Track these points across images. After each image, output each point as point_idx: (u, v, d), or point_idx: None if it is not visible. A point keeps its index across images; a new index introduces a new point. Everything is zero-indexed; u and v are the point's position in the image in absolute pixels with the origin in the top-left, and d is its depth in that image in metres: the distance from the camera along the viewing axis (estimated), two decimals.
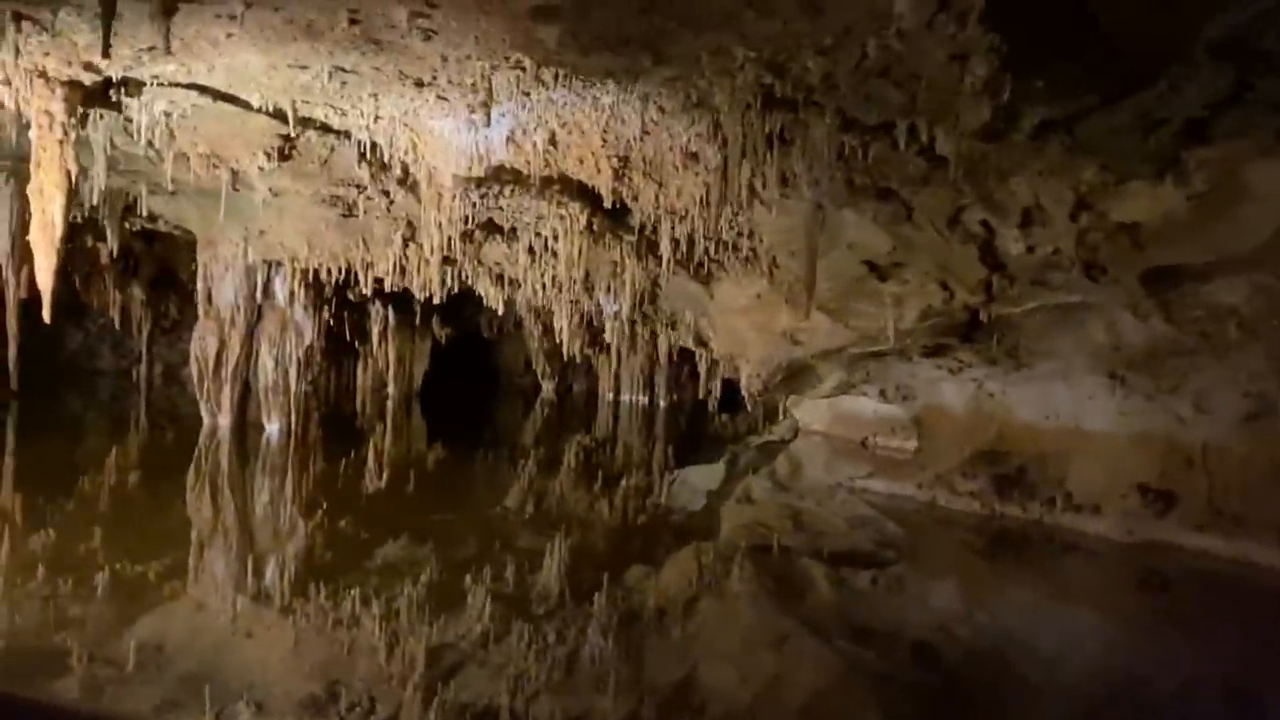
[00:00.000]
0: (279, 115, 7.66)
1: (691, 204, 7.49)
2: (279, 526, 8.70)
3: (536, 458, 13.53)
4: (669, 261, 8.70)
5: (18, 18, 5.53)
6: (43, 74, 6.27)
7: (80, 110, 6.59)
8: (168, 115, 7.67)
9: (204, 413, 12.79)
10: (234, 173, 9.12)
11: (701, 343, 11.69)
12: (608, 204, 7.85)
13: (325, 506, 9.10)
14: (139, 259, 16.00)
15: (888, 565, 8.31)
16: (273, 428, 12.85)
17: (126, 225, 12.45)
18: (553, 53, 5.35)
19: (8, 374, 15.77)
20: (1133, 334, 7.84)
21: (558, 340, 13.88)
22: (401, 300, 16.34)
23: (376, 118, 7.58)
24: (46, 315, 7.22)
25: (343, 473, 11.33)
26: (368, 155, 8.50)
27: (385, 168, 8.74)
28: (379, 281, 11.44)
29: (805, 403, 13.84)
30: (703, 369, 15.06)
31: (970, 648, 6.28)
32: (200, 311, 12.30)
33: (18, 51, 5.69)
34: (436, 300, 11.48)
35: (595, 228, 8.38)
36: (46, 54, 6.09)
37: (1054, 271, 7.16)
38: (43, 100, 6.27)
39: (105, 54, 4.70)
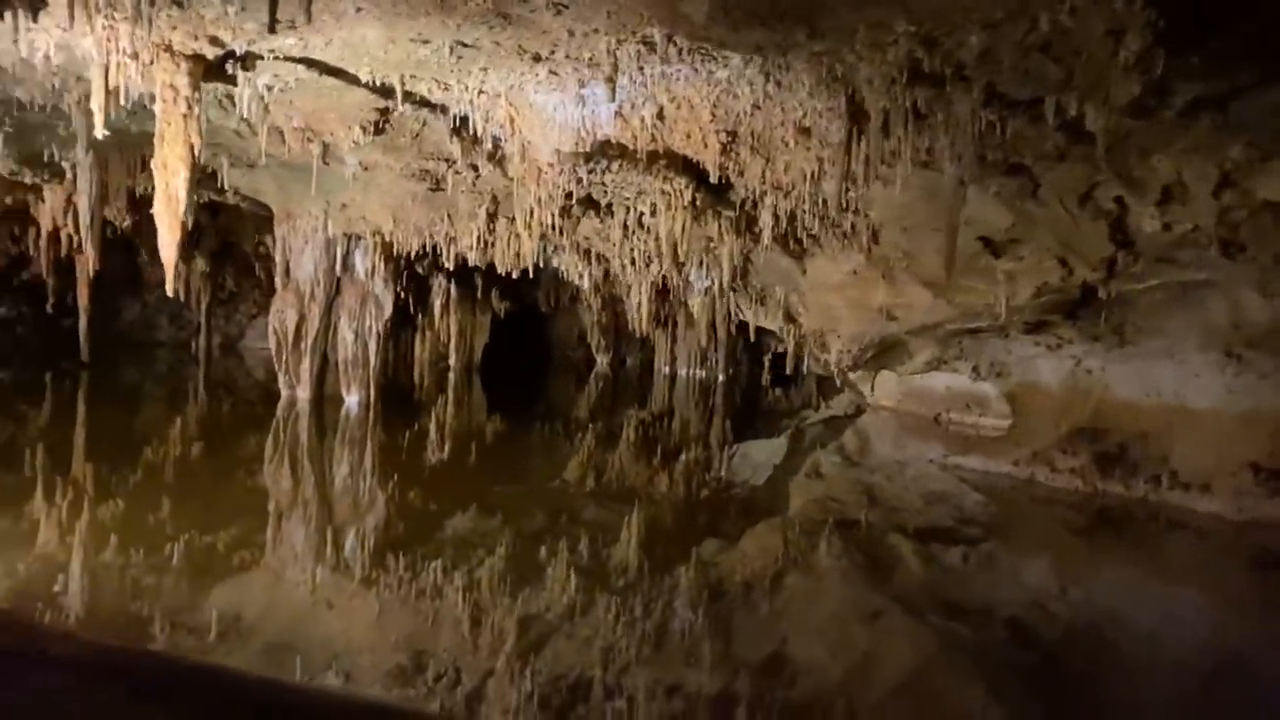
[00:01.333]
0: (379, 90, 7.65)
1: (800, 179, 7.43)
2: (357, 497, 8.75)
3: (594, 431, 13.55)
4: (768, 237, 8.66)
5: None
6: (168, 47, 6.26)
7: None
8: (270, 89, 7.67)
9: (282, 385, 12.86)
10: (325, 146, 9.12)
11: (790, 319, 11.65)
12: (713, 179, 7.79)
13: (400, 478, 9.18)
14: (202, 232, 16.05)
15: (978, 541, 8.25)
16: (351, 400, 12.89)
17: (195, 198, 12.50)
18: (698, 27, 5.30)
19: (78, 345, 16.07)
20: (1257, 312, 7.75)
21: (634, 315, 13.84)
22: (463, 274, 16.35)
23: (480, 92, 7.57)
24: (169, 289, 7.28)
25: (414, 444, 11.39)
26: (460, 130, 8.48)
27: (477, 142, 8.70)
28: (461, 255, 11.44)
29: (873, 378, 13.76)
30: (792, 343, 14.78)
31: (1069, 625, 6.20)
32: (278, 285, 12.34)
33: (150, 24, 5.69)
34: (516, 275, 11.47)
35: (698, 203, 8.34)
36: (174, 27, 6.08)
37: (1185, 249, 7.09)
38: (167, 74, 6.26)
39: (271, 29, 4.67)
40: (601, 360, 21.89)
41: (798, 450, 13.01)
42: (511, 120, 7.95)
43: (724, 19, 5.12)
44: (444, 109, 8.11)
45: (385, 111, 8.29)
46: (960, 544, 7.99)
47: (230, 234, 16.68)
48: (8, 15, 5.37)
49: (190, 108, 6.39)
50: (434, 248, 11.96)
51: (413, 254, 12.28)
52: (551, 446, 12.35)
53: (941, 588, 6.82)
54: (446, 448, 11.49)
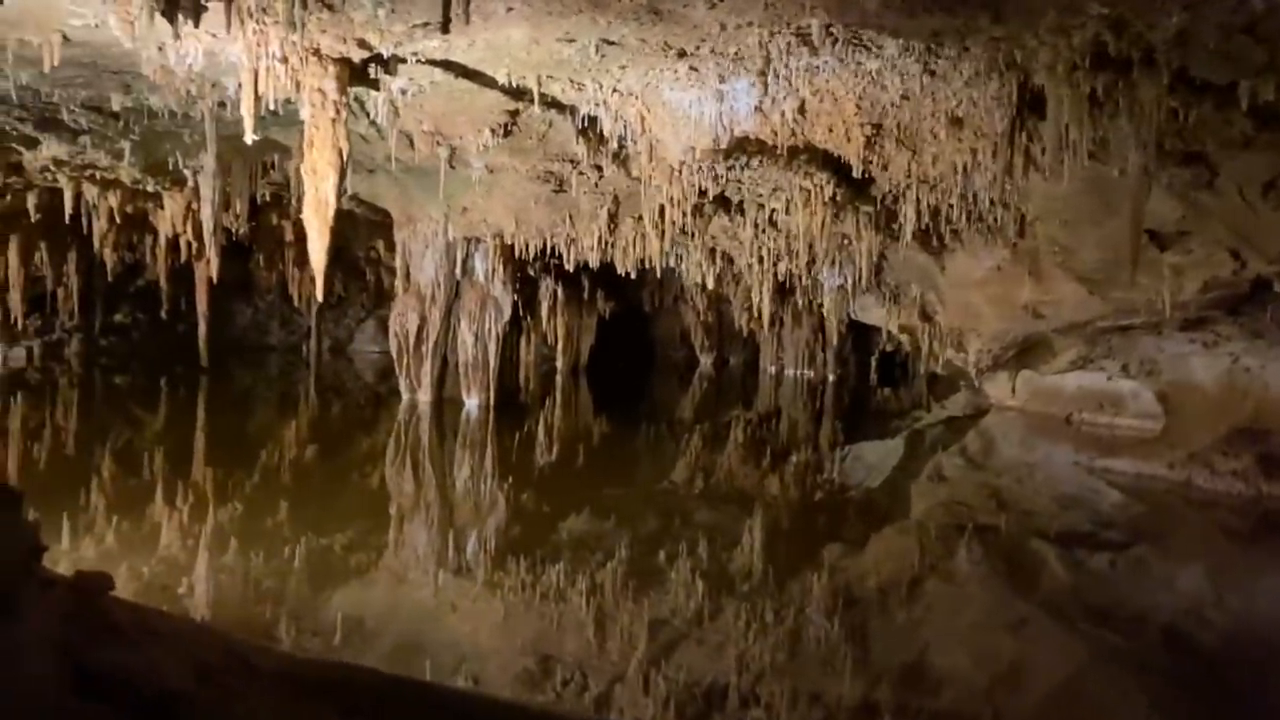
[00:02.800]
0: (512, 91, 7.59)
1: (949, 172, 7.20)
2: (478, 499, 8.71)
3: (701, 432, 13.41)
4: (910, 233, 8.43)
5: None
6: (317, 51, 6.24)
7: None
8: (403, 93, 7.65)
9: (402, 388, 12.93)
10: (452, 150, 9.09)
11: (926, 317, 11.38)
12: (856, 174, 7.59)
13: (517, 480, 9.16)
14: None
15: (1126, 546, 7.91)
16: (471, 403, 12.90)
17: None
18: (870, 14, 5.12)
19: (193, 350, 16.38)
20: None
21: (740, 314, 13.67)
22: (570, 275, 16.31)
23: (614, 91, 7.47)
24: (319, 294, 7.30)
25: (530, 446, 11.37)
26: (587, 130, 8.40)
27: (603, 142, 8.62)
28: (581, 256, 11.39)
29: (997, 377, 13.40)
30: (926, 342, 14.45)
31: (1230, 634, 5.87)
32: (399, 289, 12.41)
33: (301, 28, 5.65)
34: (633, 274, 11.38)
35: (838, 199, 8.15)
36: (323, 31, 6.06)
37: None
38: (316, 78, 6.25)
39: (444, 29, 4.59)
40: (705, 360, 21.73)
41: (916, 452, 12.71)
42: (642, 119, 7.85)
43: (900, 5, 4.93)
44: (572, 110, 8.04)
45: (515, 113, 8.25)
46: (1106, 549, 7.66)
47: (341, 239, 16.82)
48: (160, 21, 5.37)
49: (338, 112, 6.37)
50: (546, 249, 11.94)
51: (530, 257, 12.27)
52: (658, 448, 12.27)
53: (1089, 594, 6.52)
54: (559, 449, 11.45)
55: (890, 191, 8.15)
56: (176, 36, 5.30)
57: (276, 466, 9.43)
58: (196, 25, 4.91)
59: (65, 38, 6.55)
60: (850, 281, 10.45)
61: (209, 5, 5.00)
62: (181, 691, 2.82)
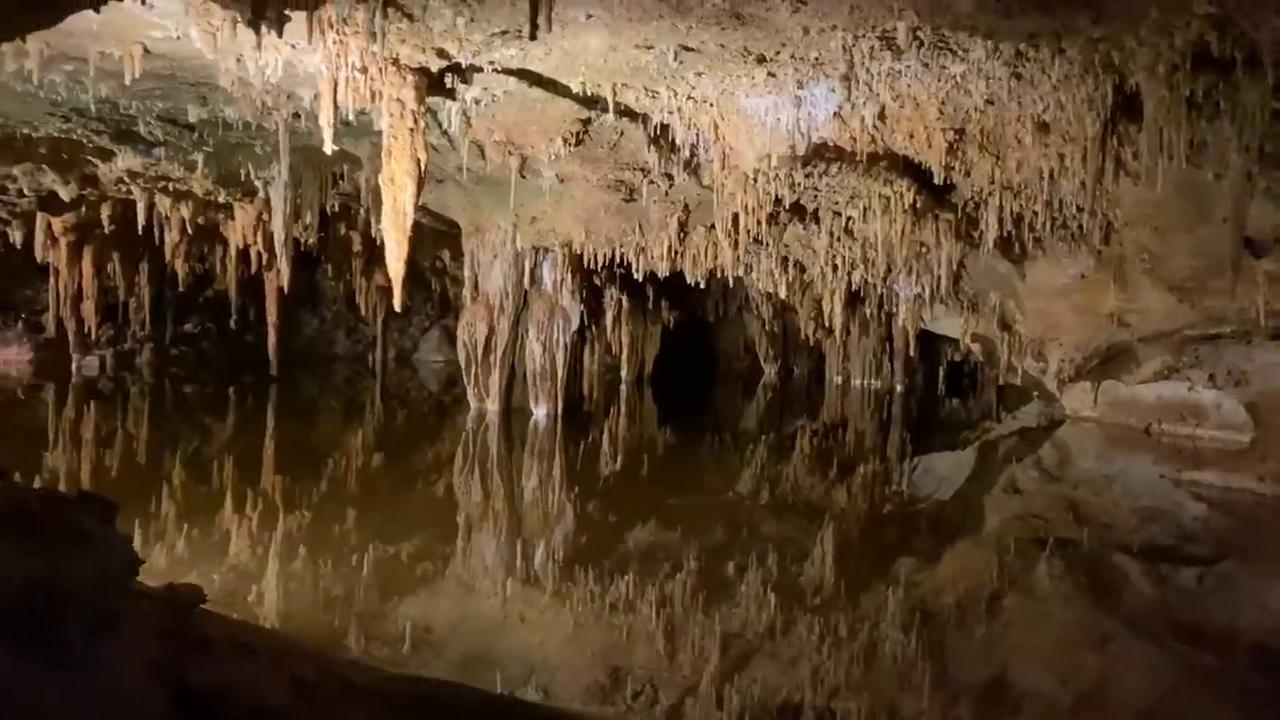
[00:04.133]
0: (585, 100, 7.55)
1: (1035, 178, 7.04)
2: (546, 509, 8.68)
3: (766, 442, 13.27)
4: (992, 240, 8.27)
5: (385, 4, 5.47)
6: (396, 61, 6.24)
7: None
8: (476, 103, 7.63)
9: (471, 398, 12.94)
10: (523, 159, 9.07)
11: (1005, 326, 11.19)
12: (938, 180, 7.46)
13: (585, 490, 9.13)
14: (382, 248, 16.28)
15: (1214, 562, 7.66)
16: (540, 412, 12.88)
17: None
18: (963, 16, 5.00)
19: (262, 359, 16.55)
20: None
21: (806, 323, 13.54)
22: (633, 284, 16.27)
23: (688, 98, 7.40)
24: (397, 303, 7.29)
25: (598, 456, 11.34)
26: (659, 138, 8.33)
27: (674, 150, 8.55)
28: (650, 265, 11.35)
29: (1076, 388, 13.12)
30: (1005, 352, 14.17)
31: None
32: (467, 298, 12.42)
33: (381, 38, 5.64)
34: (703, 283, 11.31)
35: (918, 206, 8.01)
36: (403, 41, 6.05)
37: None
38: (394, 88, 6.24)
39: (532, 35, 4.54)
40: (769, 370, 21.58)
41: (988, 464, 12.49)
42: (715, 126, 7.78)
43: (995, 6, 4.80)
44: (645, 118, 7.99)
45: (586, 122, 8.21)
46: (1193, 564, 7.44)
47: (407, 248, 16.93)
48: (243, 32, 5.38)
49: (416, 122, 6.36)
50: (611, 258, 11.91)
51: (598, 266, 12.26)
52: (723, 458, 12.15)
53: (1177, 611, 6.34)
54: (626, 459, 11.40)
55: (972, 198, 8.01)
56: (258, 47, 5.30)
57: (348, 475, 9.49)
58: (280, 35, 4.91)
59: (146, 50, 6.60)
60: (928, 290, 10.27)
61: (291, 15, 4.98)
62: (280, 708, 2.78)
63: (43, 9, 3.11)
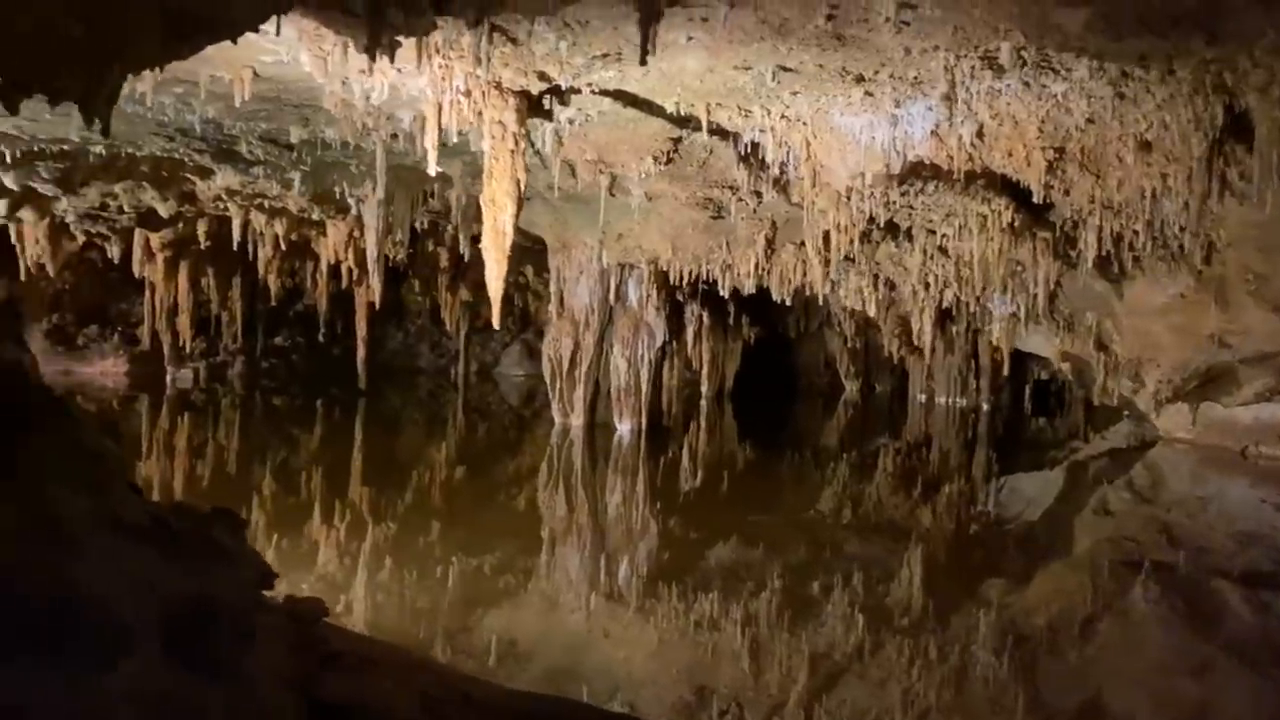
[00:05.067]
0: (677, 119, 7.60)
1: (1136, 197, 6.94)
2: (630, 525, 8.72)
3: (848, 460, 13.18)
4: (1090, 260, 8.17)
5: (492, 29, 5.57)
6: (498, 84, 6.34)
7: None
8: (570, 123, 7.72)
9: (555, 413, 13.05)
10: (613, 178, 9.15)
11: (1101, 346, 11.03)
12: (1037, 199, 7.39)
13: (667, 505, 9.16)
14: (468, 264, 16.51)
15: None
16: (624, 428, 12.95)
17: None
18: (1071, 37, 4.96)
19: (350, 372, 16.85)
20: None
21: (911, 341, 13.44)
22: (715, 300, 16.28)
23: (782, 117, 7.41)
24: (495, 320, 7.42)
25: (680, 472, 11.37)
26: (748, 156, 8.36)
27: (764, 168, 8.57)
28: (737, 283, 11.39)
29: (1172, 409, 12.85)
30: (1101, 373, 13.91)
31: None
32: (553, 314, 12.54)
33: (485, 62, 5.74)
34: (789, 300, 11.31)
35: (1016, 225, 7.94)
36: (506, 64, 6.14)
37: None
38: (496, 110, 6.35)
39: (643, 60, 4.61)
40: (850, 387, 21.42)
41: (1077, 485, 12.26)
42: (807, 145, 7.78)
43: (1105, 28, 4.76)
44: (735, 136, 8.02)
45: (677, 141, 8.26)
46: None
47: None
48: (353, 56, 5.51)
49: (517, 143, 6.46)
50: (696, 275, 11.95)
51: (682, 283, 12.32)
52: (804, 476, 12.10)
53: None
54: (709, 476, 11.42)
55: (1070, 217, 7.93)
56: (370, 71, 5.43)
57: (435, 488, 9.63)
58: (392, 61, 5.03)
59: (255, 73, 6.77)
60: (1023, 309, 10.16)
61: (403, 41, 5.09)
62: None
63: (182, 42, 3.23)
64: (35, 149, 9.42)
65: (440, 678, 3.29)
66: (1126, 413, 14.35)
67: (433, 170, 6.52)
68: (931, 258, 9.25)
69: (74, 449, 2.75)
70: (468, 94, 6.20)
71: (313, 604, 3.49)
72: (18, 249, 13.40)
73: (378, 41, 4.66)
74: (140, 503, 2.95)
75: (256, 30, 3.48)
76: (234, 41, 3.26)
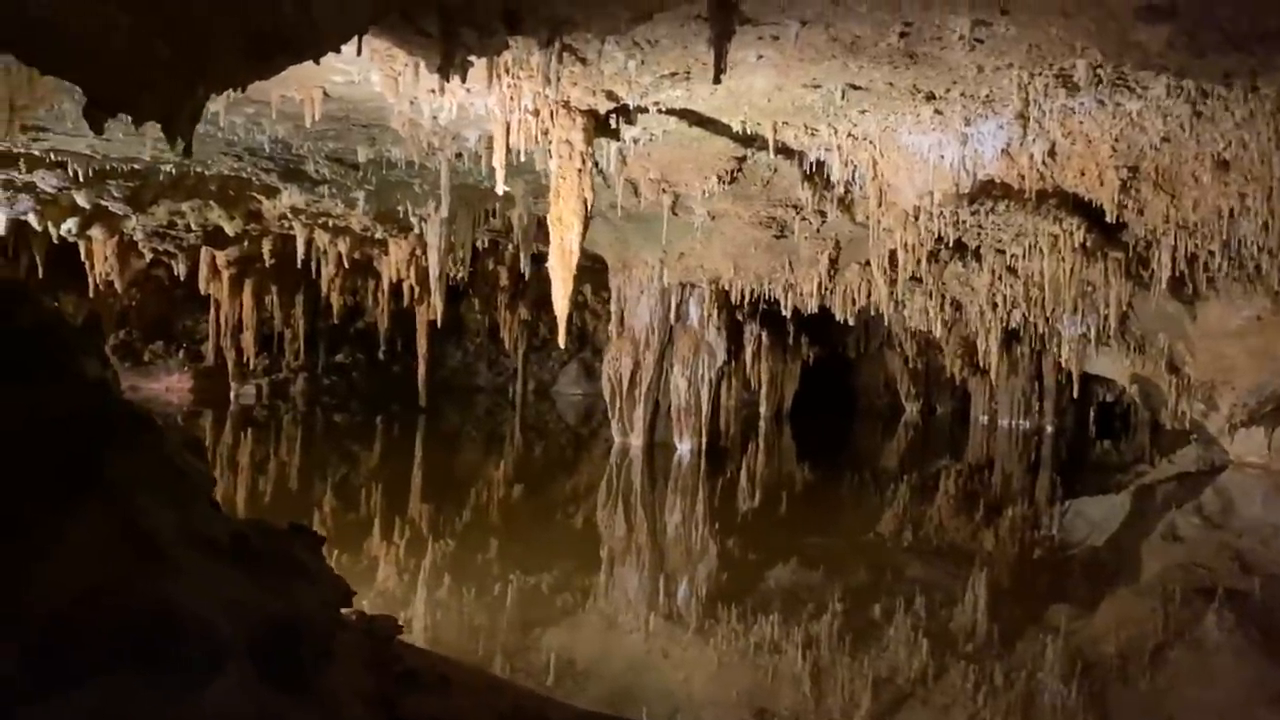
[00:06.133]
0: (742, 138, 7.58)
1: (1213, 217, 6.81)
2: (689, 545, 8.63)
3: (909, 482, 13.02)
4: (1164, 280, 8.04)
5: (562, 49, 5.58)
6: (566, 104, 6.35)
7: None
8: (635, 142, 7.72)
9: (615, 432, 13.04)
10: (676, 197, 9.15)
11: (1174, 368, 10.84)
12: (1110, 218, 7.27)
13: (727, 526, 9.14)
14: (527, 282, 16.61)
15: None
16: (684, 447, 12.91)
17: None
18: (1152, 55, 4.88)
19: (409, 390, 16.99)
20: None
21: (976, 361, 13.29)
22: (774, 319, 16.22)
23: (849, 135, 7.37)
24: (561, 339, 7.44)
25: (740, 492, 11.35)
26: (813, 175, 8.31)
27: (829, 187, 8.52)
28: (800, 302, 11.35)
29: (1245, 433, 12.58)
30: (1173, 395, 13.67)
31: None
32: (613, 334, 12.55)
33: (555, 81, 5.75)
34: (851, 320, 11.24)
35: (1088, 245, 7.83)
36: (574, 84, 6.15)
37: None
38: (564, 130, 6.36)
39: (716, 79, 4.60)
40: (911, 408, 21.21)
41: (1144, 510, 12.02)
42: (874, 163, 7.72)
43: (1188, 44, 4.67)
44: (800, 155, 7.98)
45: (741, 160, 8.24)
46: None
47: (547, 283, 17.22)
48: (424, 75, 5.55)
49: (584, 162, 6.47)
50: (756, 294, 11.92)
51: (743, 302, 12.30)
52: (864, 497, 11.99)
53: None
54: (769, 496, 11.36)
55: (1144, 237, 7.79)
56: (442, 91, 5.46)
57: (495, 506, 9.64)
58: (464, 81, 5.06)
59: (325, 94, 6.85)
60: (1093, 330, 10.01)
61: (475, 61, 5.12)
62: None
63: (264, 63, 3.26)
64: (108, 168, 9.60)
65: (516, 698, 3.27)
66: (1194, 436, 14.06)
67: (500, 190, 6.54)
68: (1000, 278, 9.15)
69: (160, 465, 2.77)
70: (536, 113, 6.22)
71: (387, 622, 3.50)
72: (87, 266, 13.67)
73: (451, 62, 4.69)
74: (223, 519, 2.96)
75: (338, 50, 3.51)
76: (316, 62, 3.28)
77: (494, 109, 6.23)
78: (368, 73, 6.13)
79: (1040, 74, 5.67)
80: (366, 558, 6.90)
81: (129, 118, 3.22)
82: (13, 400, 2.61)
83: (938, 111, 6.59)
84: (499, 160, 6.28)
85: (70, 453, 2.54)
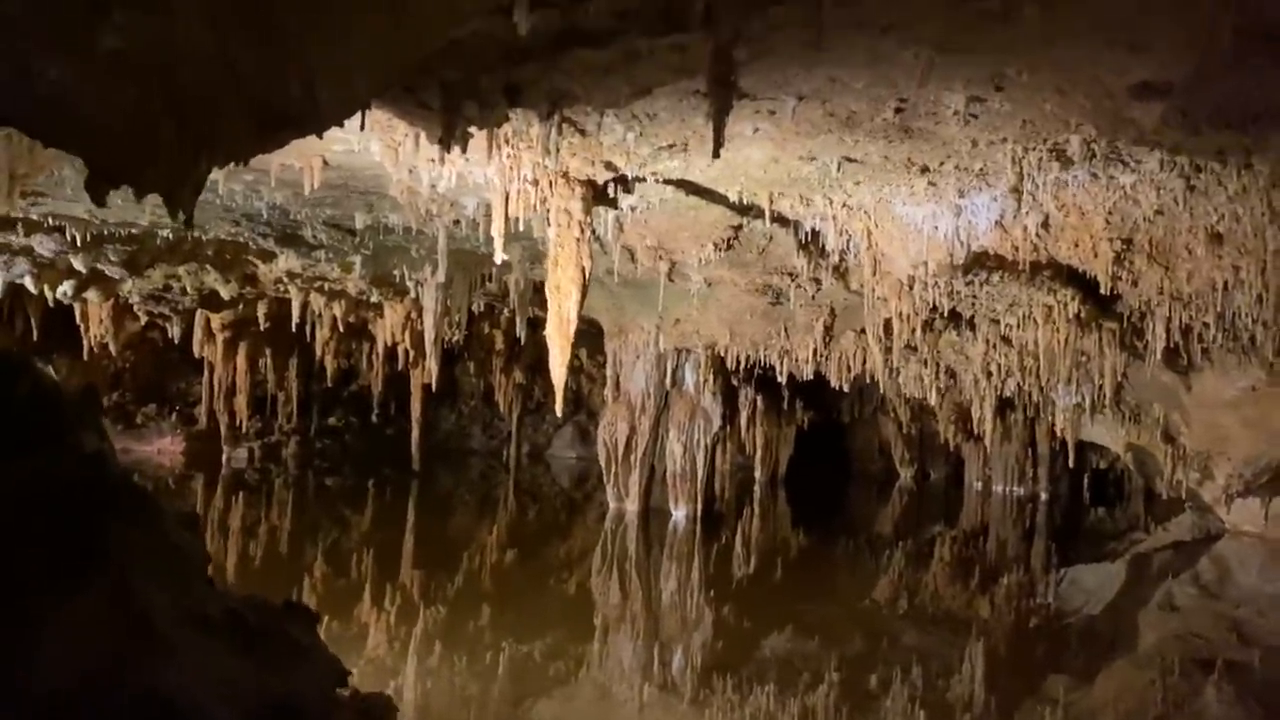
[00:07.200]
0: (738, 208, 7.65)
1: (1207, 289, 6.85)
2: (684, 613, 8.57)
3: (904, 548, 12.95)
4: (1158, 351, 8.07)
5: (562, 121, 5.63)
6: (565, 174, 6.41)
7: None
8: (632, 209, 7.78)
9: (610, 497, 12.97)
10: (672, 264, 9.19)
11: (1169, 438, 10.85)
12: (1105, 290, 7.32)
13: (722, 593, 9.08)
14: (523, 346, 16.62)
15: None
16: (679, 513, 12.83)
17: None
18: (1146, 132, 4.94)
19: (403, 453, 16.92)
20: None
21: (970, 428, 13.30)
22: (768, 384, 16.22)
23: (844, 205, 7.43)
24: (558, 408, 7.42)
25: (735, 558, 11.32)
26: (808, 243, 8.37)
27: (824, 255, 8.58)
28: (795, 369, 11.38)
29: (1242, 502, 12.55)
30: (1169, 465, 13.65)
31: None
32: (609, 398, 12.53)
33: (554, 152, 5.80)
34: (846, 387, 11.26)
35: (1083, 315, 7.87)
36: (574, 155, 6.22)
37: None
38: (563, 199, 6.42)
39: (716, 154, 4.65)
40: (905, 473, 21.16)
41: (1140, 578, 11.95)
42: (869, 233, 7.78)
43: (1181, 123, 4.73)
44: (796, 224, 8.05)
45: (737, 228, 8.30)
46: None
47: (542, 347, 17.25)
48: (424, 146, 5.60)
49: (582, 231, 6.51)
50: (755, 360, 11.96)
51: (739, 368, 12.33)
52: (859, 564, 11.94)
53: None
54: (765, 563, 11.27)
55: (1138, 308, 7.84)
56: (442, 161, 5.51)
57: (487, 572, 9.56)
58: (464, 153, 5.10)
59: (325, 162, 6.90)
60: (1088, 400, 10.04)
61: (475, 133, 5.16)
62: None
63: (269, 138, 3.28)
64: (105, 232, 9.64)
65: None
66: (1189, 504, 14.03)
67: (499, 259, 6.58)
68: (995, 347, 9.19)
69: (157, 541, 2.75)
70: (535, 183, 6.28)
71: (382, 701, 3.45)
72: (82, 328, 13.67)
73: (452, 134, 4.73)
74: (218, 596, 2.93)
75: (342, 125, 3.54)
76: (319, 136, 3.31)
77: (493, 179, 6.28)
78: (368, 142, 6.18)
79: (1034, 148, 5.74)
80: (357, 625, 6.83)
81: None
82: (10, 471, 2.59)
83: (932, 184, 6.66)
84: (498, 229, 6.32)
85: (67, 525, 2.52)
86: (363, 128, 4.27)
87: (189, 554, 2.86)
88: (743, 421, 16.92)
